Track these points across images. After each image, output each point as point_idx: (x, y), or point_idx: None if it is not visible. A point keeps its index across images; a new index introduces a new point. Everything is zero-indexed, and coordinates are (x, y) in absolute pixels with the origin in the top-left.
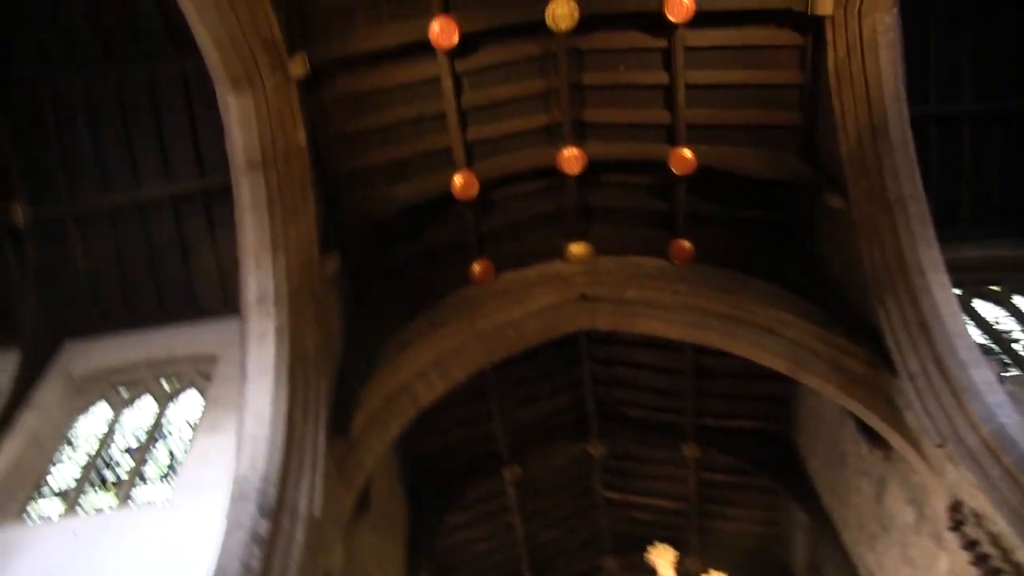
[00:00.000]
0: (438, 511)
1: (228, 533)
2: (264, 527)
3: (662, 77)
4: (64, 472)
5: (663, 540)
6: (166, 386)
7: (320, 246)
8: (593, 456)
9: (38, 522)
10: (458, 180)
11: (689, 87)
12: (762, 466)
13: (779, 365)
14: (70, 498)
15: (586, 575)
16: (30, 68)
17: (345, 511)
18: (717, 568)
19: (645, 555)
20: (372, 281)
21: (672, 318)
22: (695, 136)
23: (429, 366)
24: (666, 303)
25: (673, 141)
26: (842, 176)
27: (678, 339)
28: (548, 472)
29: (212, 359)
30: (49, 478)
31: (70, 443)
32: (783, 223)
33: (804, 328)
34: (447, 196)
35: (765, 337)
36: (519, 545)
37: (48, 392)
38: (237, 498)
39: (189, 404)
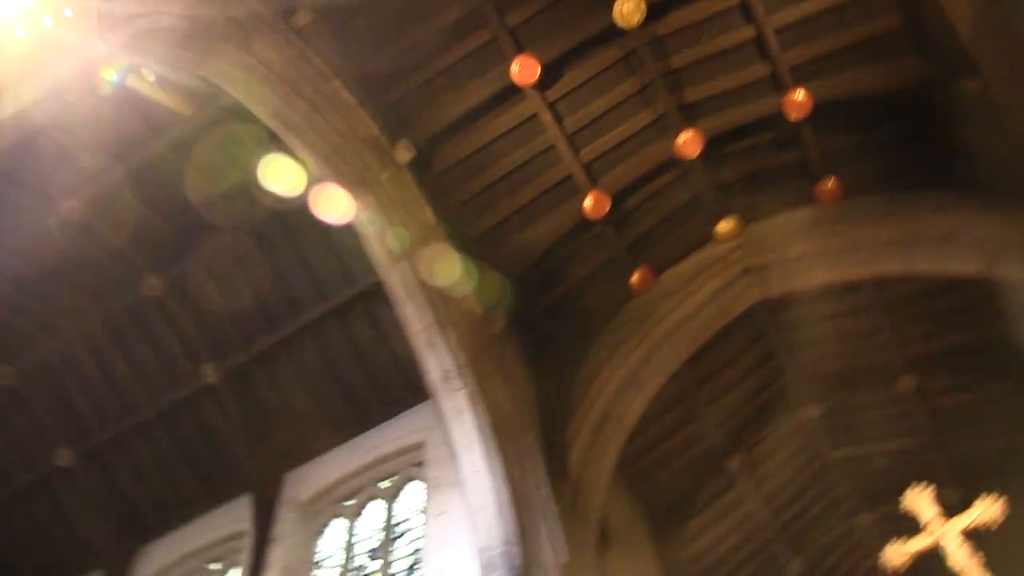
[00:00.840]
0: (678, 522)
1: None
2: None
3: (748, 32)
4: None
5: (911, 482)
6: (387, 484)
7: (482, 309)
8: (810, 421)
9: None
10: (588, 202)
11: (778, 31)
12: (986, 377)
13: (969, 268)
14: None
15: (843, 538)
16: None
17: (589, 549)
18: (976, 492)
19: (899, 502)
20: (540, 324)
21: (842, 260)
22: (801, 76)
23: (623, 386)
24: (831, 248)
25: (780, 89)
26: (968, 58)
27: (856, 279)
28: (770, 450)
29: (419, 446)
30: None
31: (318, 564)
32: (920, 129)
33: (983, 222)
34: (582, 221)
35: (946, 246)
36: (766, 529)
37: (285, 524)
38: (487, 568)
39: (413, 494)
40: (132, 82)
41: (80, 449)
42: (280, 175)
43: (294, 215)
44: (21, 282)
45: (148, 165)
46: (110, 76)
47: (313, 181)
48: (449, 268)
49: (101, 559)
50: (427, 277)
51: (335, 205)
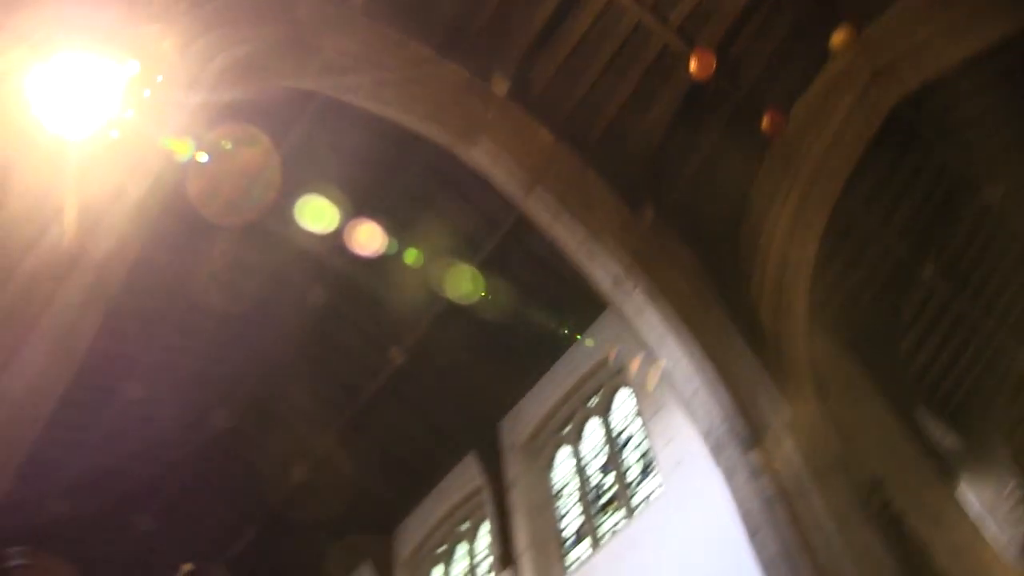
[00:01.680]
0: (889, 348)
1: (730, 480)
2: (755, 456)
3: None
4: (571, 519)
5: None
6: (596, 400)
7: (627, 200)
8: (994, 200)
9: (579, 566)
10: (693, 65)
11: None
12: None
13: None
14: (590, 534)
15: None
16: None
17: (809, 401)
18: None
19: None
20: (687, 201)
21: (978, 23)
22: None
23: (790, 231)
24: (956, 20)
25: None
26: None
27: (998, 40)
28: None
29: (611, 359)
30: (564, 531)
31: (557, 495)
32: None
33: None
34: (694, 87)
35: None
36: (982, 326)
37: (514, 468)
38: (717, 449)
39: (623, 402)
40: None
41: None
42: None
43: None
44: None
45: None
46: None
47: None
48: (580, 178)
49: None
50: (564, 193)
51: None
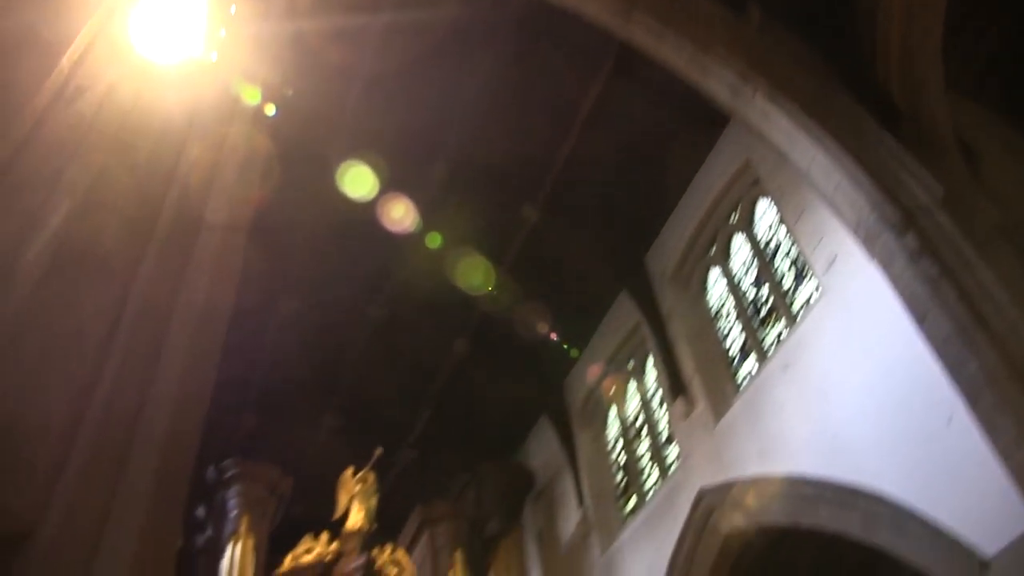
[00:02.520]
0: None
1: (888, 268)
2: (911, 240)
3: None
4: (733, 337)
5: None
6: (736, 216)
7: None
8: None
9: (750, 381)
10: None
11: None
12: None
13: None
14: (755, 349)
15: None
16: None
17: (960, 173)
18: None
19: None
20: None
21: None
22: None
23: None
24: None
25: None
26: None
27: None
28: None
29: (746, 167)
30: (729, 351)
31: (716, 317)
32: None
33: None
34: None
35: None
36: None
37: (667, 299)
38: (869, 240)
39: (765, 211)
40: None
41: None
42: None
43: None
44: None
45: None
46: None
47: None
48: None
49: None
50: (664, 12)
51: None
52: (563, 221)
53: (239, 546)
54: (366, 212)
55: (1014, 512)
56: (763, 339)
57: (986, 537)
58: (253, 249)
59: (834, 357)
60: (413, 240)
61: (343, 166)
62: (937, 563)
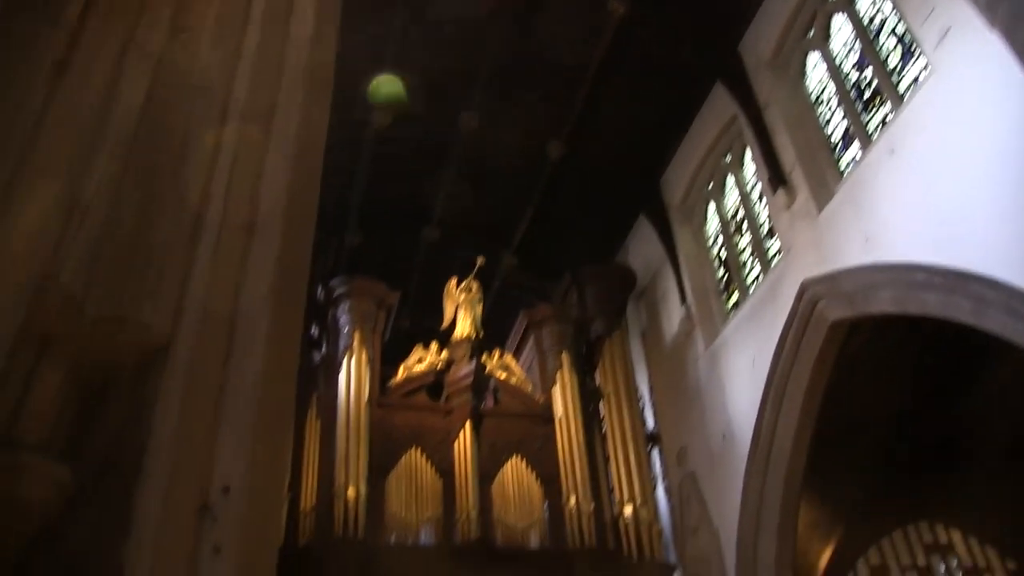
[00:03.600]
0: None
1: (1011, 37)
2: None
3: None
4: (835, 123)
5: None
6: None
7: None
8: None
9: (853, 167)
10: None
11: None
12: None
13: None
14: (859, 134)
15: None
16: None
17: None
18: None
19: None
20: None
21: None
22: None
23: None
24: None
25: None
26: None
27: None
28: None
29: None
30: (831, 137)
31: (817, 102)
32: None
33: None
34: None
35: None
36: None
37: (764, 87)
38: (991, 6)
39: None
40: None
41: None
42: None
43: None
44: None
45: None
46: None
47: None
48: None
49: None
50: None
51: None
52: (651, 13)
53: (354, 360)
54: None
55: None
56: (867, 124)
57: None
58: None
59: (945, 139)
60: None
61: None
62: None
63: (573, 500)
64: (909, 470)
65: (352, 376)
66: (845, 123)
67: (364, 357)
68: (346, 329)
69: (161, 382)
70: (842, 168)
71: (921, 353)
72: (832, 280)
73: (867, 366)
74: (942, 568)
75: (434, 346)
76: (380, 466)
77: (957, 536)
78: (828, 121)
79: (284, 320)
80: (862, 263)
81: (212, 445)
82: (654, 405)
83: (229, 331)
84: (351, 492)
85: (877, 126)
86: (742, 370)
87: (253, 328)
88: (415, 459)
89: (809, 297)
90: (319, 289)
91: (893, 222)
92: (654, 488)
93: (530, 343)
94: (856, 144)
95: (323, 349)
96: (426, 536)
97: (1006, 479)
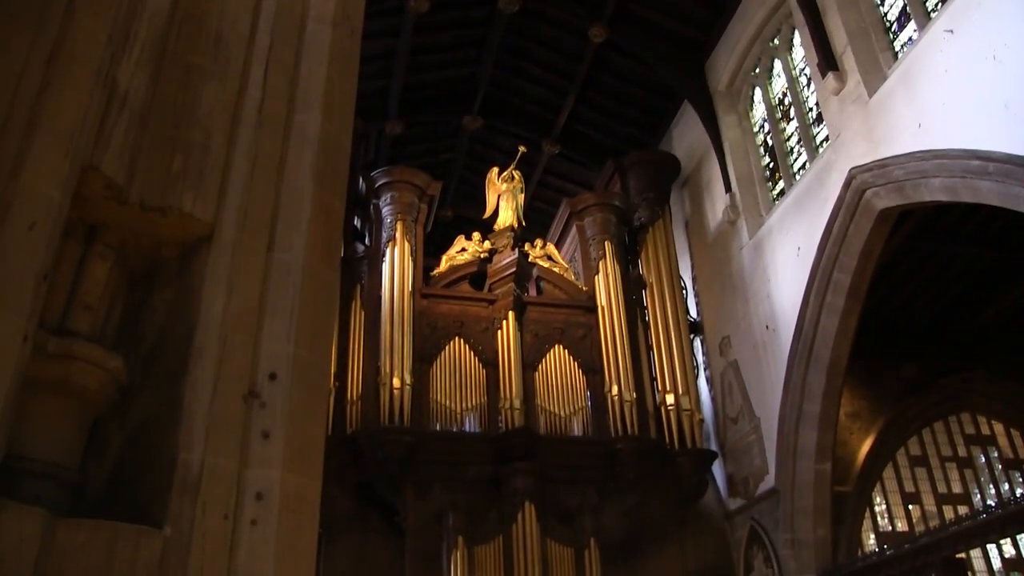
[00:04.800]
0: None
1: None
2: None
3: None
4: (890, 3)
5: None
6: None
7: None
8: None
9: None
10: None
11: None
12: None
13: None
14: (915, 13)
15: None
16: None
17: None
18: None
19: None
20: None
21: None
22: None
23: None
24: None
25: None
26: None
27: None
28: None
29: None
30: (886, 16)
31: None
32: None
33: None
34: None
35: None
36: None
37: None
38: None
39: None
40: None
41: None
42: None
43: None
44: None
45: None
46: None
47: None
48: None
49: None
50: None
51: None
52: None
53: (396, 251)
54: None
55: None
56: (925, 1)
57: None
58: None
59: (1008, 17)
60: None
61: None
62: None
63: (616, 389)
64: (953, 362)
65: (395, 267)
66: (901, 1)
67: (407, 248)
68: (388, 220)
69: (206, 270)
70: (896, 49)
71: (972, 243)
72: (882, 168)
73: (915, 256)
74: (982, 459)
75: (476, 236)
76: (424, 356)
77: (999, 428)
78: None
79: (326, 203)
80: (914, 150)
81: (258, 332)
82: (697, 295)
83: (272, 217)
84: (396, 382)
85: (936, 3)
86: (787, 260)
87: (296, 213)
88: (459, 348)
89: (857, 185)
90: (360, 181)
91: (949, 106)
92: (696, 377)
93: (573, 232)
94: (912, 24)
95: (366, 240)
96: (470, 424)
97: None
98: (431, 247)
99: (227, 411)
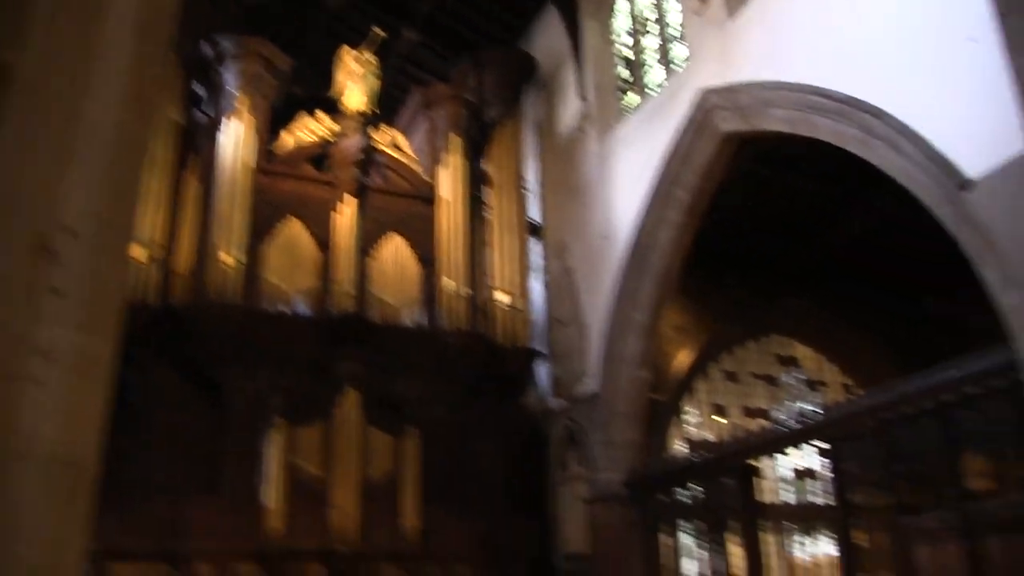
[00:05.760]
0: None
1: None
2: None
3: None
4: None
5: None
6: None
7: None
8: None
9: None
10: None
11: None
12: None
13: None
14: None
15: None
16: None
17: None
18: None
19: None
20: None
21: None
22: None
23: None
24: None
25: None
26: None
27: None
28: None
29: None
30: None
31: None
32: None
33: None
34: None
35: None
36: None
37: None
38: None
39: None
40: None
41: None
42: None
43: None
44: None
45: None
46: None
47: None
48: None
49: None
50: None
51: None
52: None
53: (239, 123)
54: None
55: (1007, 136)
56: None
57: (974, 159)
58: None
59: None
60: None
61: None
62: (925, 183)
63: (449, 283)
64: (778, 287)
65: (236, 140)
66: None
67: (250, 121)
68: (233, 90)
69: (3, 112)
70: None
71: (809, 177)
72: (730, 92)
73: (755, 182)
74: (787, 378)
75: (325, 117)
76: (259, 233)
77: (808, 352)
78: None
79: (147, 55)
80: (764, 79)
81: (57, 184)
82: (543, 198)
83: (83, 63)
84: (228, 257)
85: None
86: (631, 172)
87: (110, 62)
88: (296, 229)
89: (705, 106)
90: (203, 44)
91: (799, 40)
92: (529, 278)
93: (423, 123)
94: None
95: (207, 109)
96: (302, 307)
97: (858, 306)
98: (278, 124)
99: (14, 264)
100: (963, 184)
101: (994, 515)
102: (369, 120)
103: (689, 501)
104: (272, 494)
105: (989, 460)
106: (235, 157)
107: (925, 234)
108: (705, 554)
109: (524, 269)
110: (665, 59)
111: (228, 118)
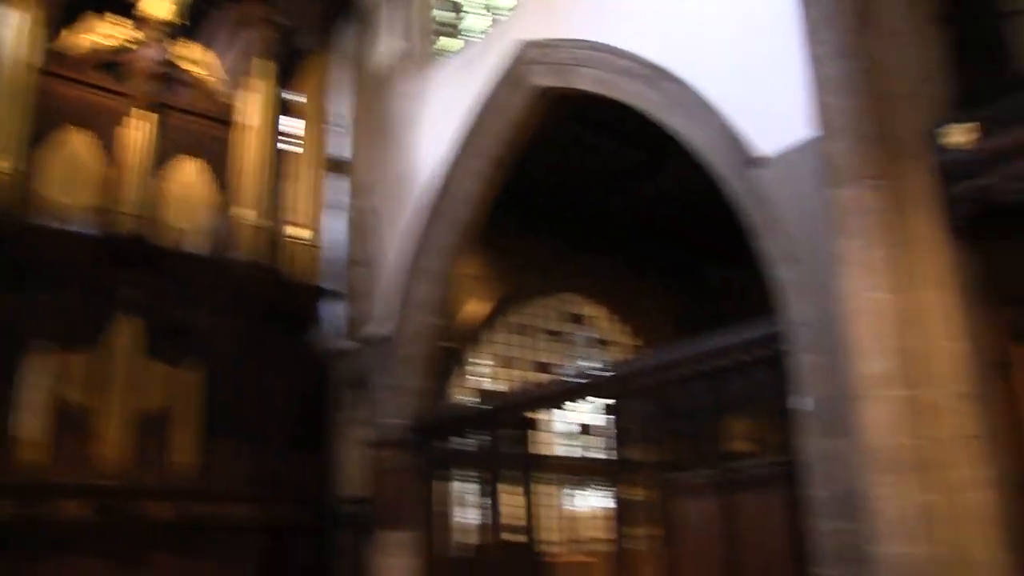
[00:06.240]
0: None
1: None
2: None
3: None
4: None
5: None
6: None
7: None
8: None
9: None
10: None
11: None
12: None
13: None
14: None
15: None
16: None
17: None
18: None
19: None
20: None
21: None
22: None
23: None
24: None
25: None
26: None
27: None
28: None
29: None
30: None
31: None
32: None
33: None
34: None
35: None
36: None
37: None
38: None
39: None
40: None
41: None
42: None
43: None
44: None
45: None
46: None
47: None
48: None
49: None
50: None
51: None
52: None
53: (19, 16)
54: None
55: (800, 120)
56: None
57: (768, 138)
58: None
59: None
60: None
61: None
62: (719, 155)
63: (243, 212)
64: (582, 245)
65: (16, 33)
66: None
67: (35, 15)
68: None
69: None
70: None
71: (617, 137)
72: (549, 47)
73: (567, 139)
74: (578, 336)
75: (127, 22)
76: (39, 140)
77: (602, 312)
78: None
79: None
80: (581, 38)
81: None
82: (354, 136)
83: None
84: (2, 163)
85: None
86: (443, 117)
87: None
88: (80, 139)
89: (523, 58)
90: None
91: (619, 3)
92: (324, 214)
93: (231, 43)
94: None
95: None
96: (83, 225)
97: (656, 268)
98: (65, 21)
99: None
100: (753, 161)
101: (749, 473)
102: (175, 31)
103: (473, 450)
104: (30, 424)
105: (752, 423)
106: (16, 53)
107: (719, 205)
108: (483, 502)
109: (319, 205)
110: (492, 6)
111: (6, 6)
